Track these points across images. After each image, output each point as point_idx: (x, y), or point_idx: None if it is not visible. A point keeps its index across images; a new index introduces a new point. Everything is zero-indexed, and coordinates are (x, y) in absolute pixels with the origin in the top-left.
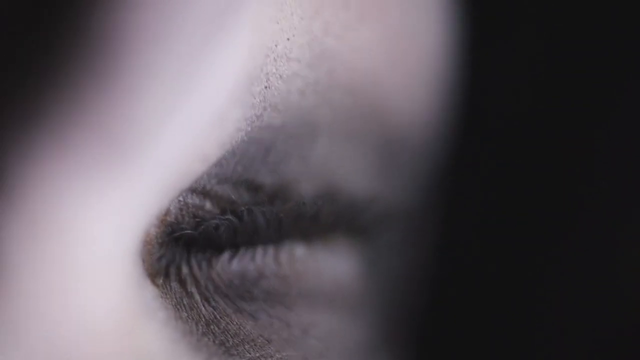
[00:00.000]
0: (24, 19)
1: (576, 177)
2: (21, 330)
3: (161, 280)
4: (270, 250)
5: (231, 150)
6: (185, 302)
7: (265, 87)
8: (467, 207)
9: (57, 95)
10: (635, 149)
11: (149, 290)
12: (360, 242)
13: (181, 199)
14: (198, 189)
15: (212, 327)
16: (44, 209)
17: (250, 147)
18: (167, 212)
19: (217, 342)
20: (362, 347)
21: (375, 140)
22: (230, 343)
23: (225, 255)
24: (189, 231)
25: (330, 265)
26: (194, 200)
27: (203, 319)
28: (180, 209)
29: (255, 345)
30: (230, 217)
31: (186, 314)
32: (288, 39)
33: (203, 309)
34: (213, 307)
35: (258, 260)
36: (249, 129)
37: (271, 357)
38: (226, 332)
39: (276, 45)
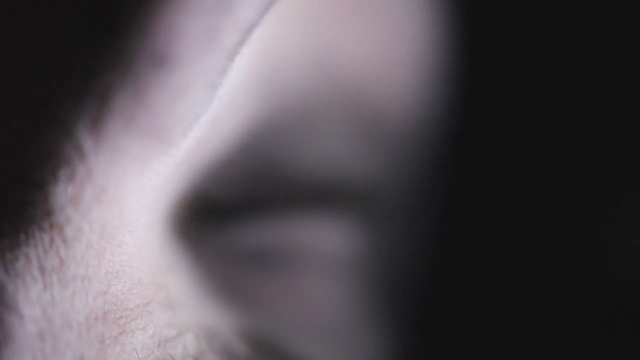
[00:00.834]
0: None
1: (570, 171)
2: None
3: (189, 243)
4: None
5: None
6: (206, 262)
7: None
8: (462, 198)
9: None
10: (630, 146)
11: (179, 250)
12: (354, 215)
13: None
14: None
15: (228, 282)
16: (107, 177)
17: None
18: (198, 185)
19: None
20: (346, 321)
21: (362, 121)
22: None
23: (244, 223)
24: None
25: (323, 234)
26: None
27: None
28: (210, 184)
29: (262, 304)
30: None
31: (208, 272)
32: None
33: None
34: (232, 269)
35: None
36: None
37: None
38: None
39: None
